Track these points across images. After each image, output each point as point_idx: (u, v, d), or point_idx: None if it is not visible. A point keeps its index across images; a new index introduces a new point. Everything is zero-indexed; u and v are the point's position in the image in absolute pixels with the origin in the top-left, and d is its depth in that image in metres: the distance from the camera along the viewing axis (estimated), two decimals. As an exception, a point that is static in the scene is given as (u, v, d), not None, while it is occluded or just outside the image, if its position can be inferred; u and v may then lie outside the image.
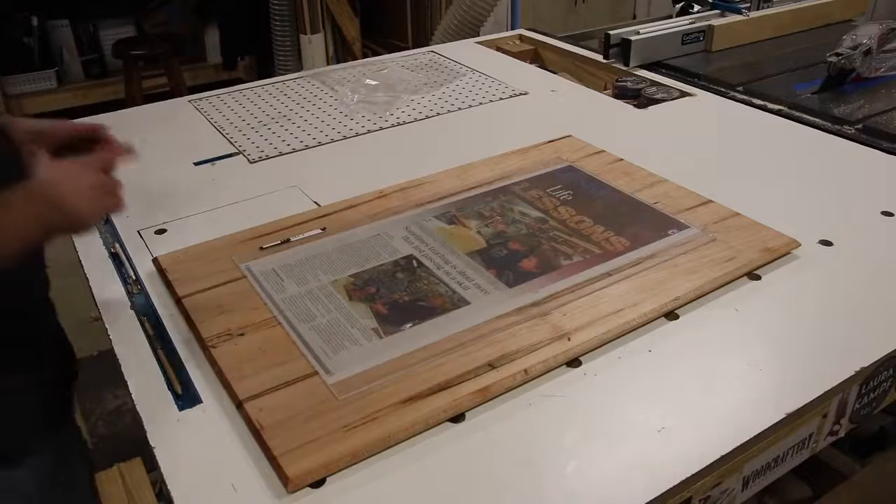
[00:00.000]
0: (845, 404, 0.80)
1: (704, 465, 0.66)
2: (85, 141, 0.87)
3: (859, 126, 1.30)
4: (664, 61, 1.63)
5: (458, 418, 0.71)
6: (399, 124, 1.37)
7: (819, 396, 0.74)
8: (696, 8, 1.82)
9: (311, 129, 1.36)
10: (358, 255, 0.93)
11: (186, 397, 0.75)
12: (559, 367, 0.77)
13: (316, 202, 1.09)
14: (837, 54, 1.43)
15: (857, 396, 0.80)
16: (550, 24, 3.00)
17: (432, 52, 1.78)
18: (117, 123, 1.41)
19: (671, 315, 0.84)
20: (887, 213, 1.04)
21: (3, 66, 3.19)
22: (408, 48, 2.42)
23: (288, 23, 3.08)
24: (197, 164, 1.23)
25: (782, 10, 1.79)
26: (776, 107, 1.40)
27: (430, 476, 0.66)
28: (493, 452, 0.68)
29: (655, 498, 0.63)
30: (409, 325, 0.81)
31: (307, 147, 1.29)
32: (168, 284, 0.89)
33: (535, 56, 1.84)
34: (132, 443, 0.73)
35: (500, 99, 1.48)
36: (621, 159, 1.17)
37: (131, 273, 0.95)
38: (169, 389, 0.75)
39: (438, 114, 1.42)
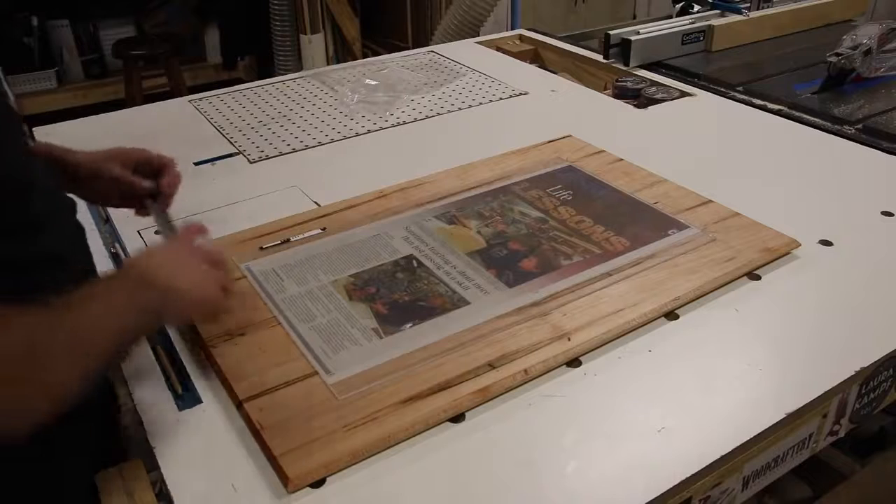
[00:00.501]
0: (845, 404, 0.80)
1: (704, 465, 0.66)
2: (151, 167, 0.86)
3: (859, 126, 1.30)
4: (664, 61, 1.63)
5: (458, 418, 0.71)
6: (399, 124, 1.37)
7: (819, 396, 0.74)
8: (696, 8, 1.82)
9: (311, 129, 1.36)
10: (358, 255, 0.93)
11: (186, 397, 0.75)
12: (559, 367, 0.77)
13: (316, 202, 1.09)
14: (837, 54, 1.43)
15: (857, 396, 0.80)
16: (550, 24, 2.99)
17: (432, 52, 1.78)
18: (117, 123, 1.42)
19: (671, 315, 0.84)
20: (887, 213, 1.04)
21: (4, 66, 3.19)
22: (408, 48, 2.42)
23: (288, 23, 3.07)
24: (197, 164, 1.23)
25: (782, 10, 1.79)
26: (776, 107, 1.40)
27: (430, 476, 0.66)
28: (493, 452, 0.68)
29: (655, 498, 0.63)
30: (409, 325, 0.81)
31: (307, 147, 1.29)
32: (168, 284, 0.89)
33: (535, 56, 1.84)
34: (132, 443, 0.73)
35: (500, 99, 1.48)
36: (621, 159, 1.17)
37: (131, 273, 0.94)
38: (169, 389, 0.75)
39: (438, 114, 1.42)
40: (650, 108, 1.42)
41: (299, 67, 3.08)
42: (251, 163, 1.24)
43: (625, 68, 1.61)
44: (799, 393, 0.73)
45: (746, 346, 0.81)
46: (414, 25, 3.22)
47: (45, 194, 0.68)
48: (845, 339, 0.81)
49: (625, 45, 1.61)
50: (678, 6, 1.87)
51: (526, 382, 0.75)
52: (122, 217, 1.04)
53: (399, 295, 0.86)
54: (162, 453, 0.68)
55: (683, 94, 1.47)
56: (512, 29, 2.48)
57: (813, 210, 1.05)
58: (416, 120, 1.39)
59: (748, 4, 1.77)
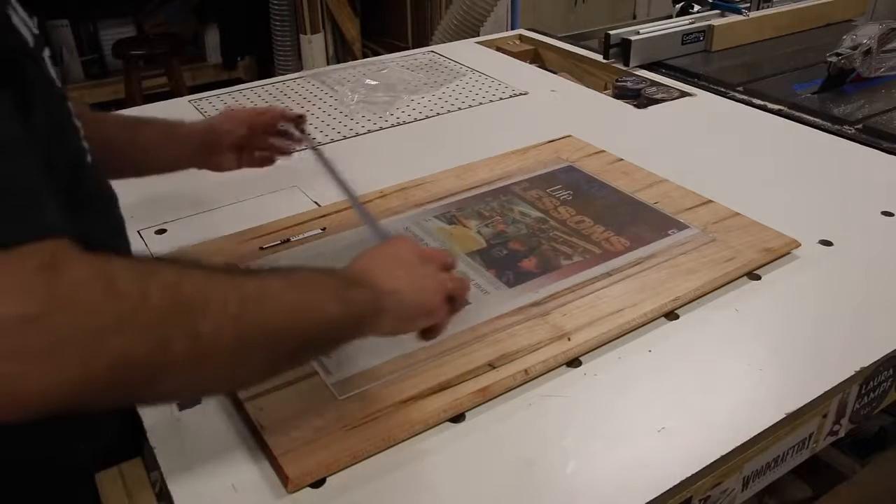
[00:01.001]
0: (845, 404, 0.80)
1: (704, 465, 0.66)
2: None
3: (859, 126, 1.30)
4: (664, 61, 1.63)
5: (458, 418, 0.71)
6: (399, 124, 1.37)
7: (819, 396, 0.74)
8: (696, 8, 1.82)
9: (311, 129, 1.36)
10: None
11: (186, 397, 0.74)
12: (559, 367, 0.77)
13: (316, 202, 1.09)
14: (837, 54, 1.43)
15: (857, 396, 0.80)
16: (550, 24, 2.99)
17: (432, 52, 1.78)
18: (117, 123, 1.41)
19: (671, 315, 0.84)
20: (887, 213, 1.04)
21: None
22: (408, 48, 2.42)
23: (288, 23, 3.07)
24: (197, 164, 1.23)
25: (782, 10, 1.79)
26: (776, 107, 1.40)
27: (430, 476, 0.66)
28: (493, 452, 0.68)
29: (655, 498, 0.63)
30: (409, 325, 0.81)
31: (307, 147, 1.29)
32: (168, 284, 0.89)
33: (535, 56, 1.84)
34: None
35: (500, 99, 1.48)
36: (621, 159, 1.17)
37: (131, 273, 0.94)
38: (169, 389, 0.75)
39: (438, 114, 1.42)
40: (650, 108, 1.42)
41: (299, 67, 3.08)
42: (251, 163, 1.24)
43: (625, 68, 1.61)
44: (799, 393, 0.73)
45: (746, 346, 0.81)
46: (414, 25, 3.22)
47: (91, 179, 0.65)
48: (845, 339, 0.81)
49: (625, 45, 1.61)
50: (678, 6, 1.87)
51: (526, 382, 0.75)
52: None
53: (399, 295, 0.86)
54: (162, 453, 0.68)
55: (683, 94, 1.47)
56: (512, 29, 2.48)
57: (813, 210, 1.05)
58: (416, 120, 1.39)
59: (748, 4, 1.77)
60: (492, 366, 0.75)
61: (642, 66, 1.62)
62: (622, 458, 0.67)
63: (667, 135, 1.32)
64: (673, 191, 1.07)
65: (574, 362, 0.78)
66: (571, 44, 1.80)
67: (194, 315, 0.46)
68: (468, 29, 2.80)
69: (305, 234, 0.98)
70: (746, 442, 0.69)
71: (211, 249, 0.95)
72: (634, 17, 3.68)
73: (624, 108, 1.43)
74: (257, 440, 0.68)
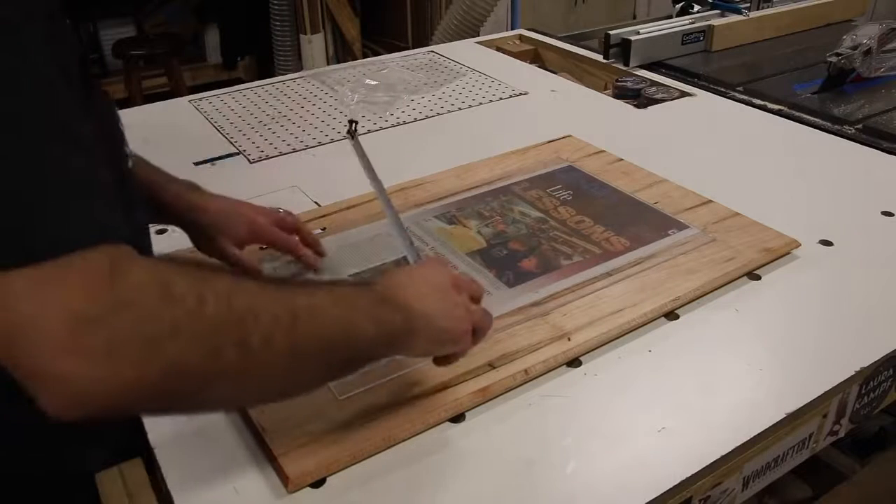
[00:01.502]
0: (845, 404, 0.80)
1: (704, 465, 0.66)
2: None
3: (859, 126, 1.30)
4: (664, 61, 1.63)
5: (458, 418, 0.71)
6: (399, 124, 1.37)
7: (819, 396, 0.74)
8: (696, 8, 1.82)
9: (311, 129, 1.36)
10: (358, 254, 0.93)
11: (186, 397, 0.74)
12: (559, 367, 0.77)
13: (316, 202, 1.09)
14: (837, 54, 1.43)
15: (857, 396, 0.80)
16: (550, 24, 2.99)
17: (432, 52, 1.78)
18: (117, 123, 1.41)
19: (671, 315, 0.84)
20: (887, 213, 1.04)
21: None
22: (408, 48, 2.42)
23: (288, 23, 3.08)
24: (197, 164, 1.23)
25: (782, 10, 1.79)
26: (776, 107, 1.40)
27: (430, 476, 0.66)
28: (493, 452, 0.68)
29: (655, 498, 0.63)
30: (409, 325, 0.81)
31: (307, 147, 1.29)
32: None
33: (535, 56, 1.84)
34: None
35: (500, 99, 1.48)
36: (621, 159, 1.17)
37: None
38: (169, 389, 0.75)
39: (438, 114, 1.42)
40: (650, 108, 1.42)
41: (299, 67, 3.09)
42: (251, 163, 1.24)
43: (625, 68, 1.61)
44: (799, 393, 0.73)
45: (746, 346, 0.81)
46: (414, 25, 3.22)
47: (131, 184, 0.67)
48: (845, 339, 0.81)
49: (625, 45, 1.61)
50: (678, 6, 1.87)
51: (526, 382, 0.75)
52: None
53: (399, 295, 0.86)
54: (162, 453, 0.68)
55: (683, 94, 1.47)
56: (512, 29, 2.48)
57: (813, 210, 1.05)
58: (416, 120, 1.39)
59: (748, 4, 1.77)
60: (492, 366, 0.75)
61: (642, 66, 1.62)
62: (622, 458, 0.67)
63: (667, 135, 1.32)
64: (673, 191, 1.07)
65: (574, 362, 0.78)
66: (571, 44, 1.80)
67: (246, 325, 0.47)
68: (468, 29, 2.80)
69: (305, 234, 0.98)
70: (746, 442, 0.69)
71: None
72: (634, 17, 3.68)
73: (624, 108, 1.43)
74: (257, 441, 0.68)
